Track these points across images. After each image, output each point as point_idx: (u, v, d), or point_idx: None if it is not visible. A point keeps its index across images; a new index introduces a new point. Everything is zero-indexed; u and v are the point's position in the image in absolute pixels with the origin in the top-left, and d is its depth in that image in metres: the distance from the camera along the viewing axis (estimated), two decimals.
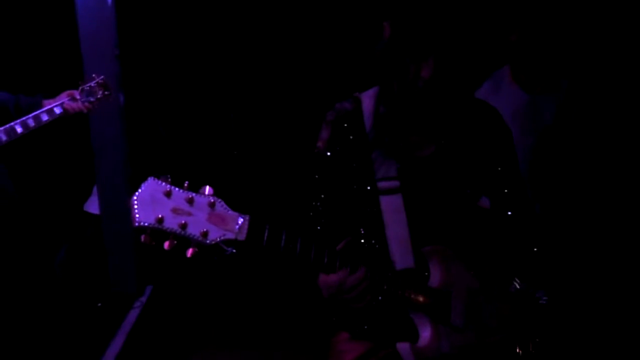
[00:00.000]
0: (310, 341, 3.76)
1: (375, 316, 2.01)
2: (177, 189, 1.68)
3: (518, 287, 2.01)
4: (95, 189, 4.07)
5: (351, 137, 1.99)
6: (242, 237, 1.72)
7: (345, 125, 2.00)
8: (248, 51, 4.50)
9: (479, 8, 1.82)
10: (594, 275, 2.98)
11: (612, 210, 2.98)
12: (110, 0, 3.91)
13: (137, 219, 1.63)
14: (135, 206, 1.64)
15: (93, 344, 3.77)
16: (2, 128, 3.23)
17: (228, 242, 1.72)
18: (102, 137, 4.01)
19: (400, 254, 1.93)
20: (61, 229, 4.22)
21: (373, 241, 1.98)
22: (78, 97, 3.38)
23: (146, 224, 1.63)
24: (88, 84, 3.40)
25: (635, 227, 2.93)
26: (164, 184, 1.67)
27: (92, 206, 4.11)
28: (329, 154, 2.00)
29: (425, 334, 1.93)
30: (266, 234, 1.74)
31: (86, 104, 3.39)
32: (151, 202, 1.65)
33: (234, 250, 1.72)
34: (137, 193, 1.64)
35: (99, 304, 4.13)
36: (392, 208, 1.93)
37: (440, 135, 2.01)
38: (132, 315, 4.11)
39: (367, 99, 2.00)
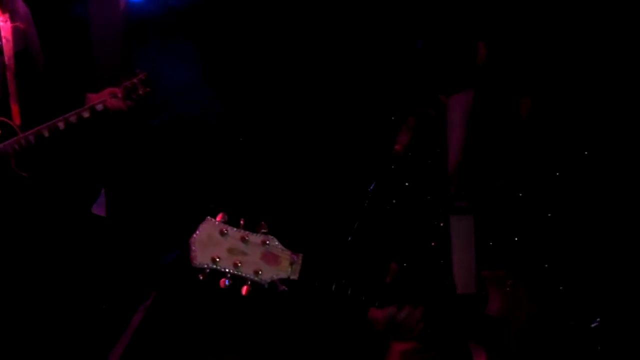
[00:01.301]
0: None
1: (430, 343, 2.00)
2: (233, 228, 1.70)
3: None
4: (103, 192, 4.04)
5: (431, 146, 1.94)
6: (295, 276, 1.74)
7: (427, 132, 1.94)
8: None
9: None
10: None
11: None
12: None
13: (195, 261, 1.65)
14: (194, 247, 1.65)
15: (97, 347, 3.76)
16: (45, 125, 3.16)
17: (281, 281, 1.74)
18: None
19: (464, 278, 1.91)
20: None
21: (440, 260, 1.97)
22: (120, 95, 3.22)
23: (204, 266, 1.66)
24: (130, 81, 3.23)
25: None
26: (220, 223, 1.69)
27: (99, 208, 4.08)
28: (406, 157, 1.95)
29: None
30: (318, 275, 1.76)
31: (128, 102, 3.23)
32: (208, 243, 1.67)
33: (286, 289, 1.74)
34: (195, 234, 1.66)
35: (104, 306, 4.12)
36: (461, 228, 1.90)
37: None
38: (137, 319, 4.11)
39: (455, 111, 1.95)
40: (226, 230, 1.69)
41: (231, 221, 1.71)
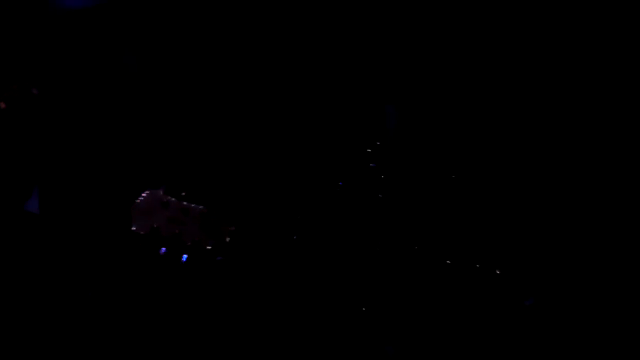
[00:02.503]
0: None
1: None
2: (173, 199, 1.80)
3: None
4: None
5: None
6: (231, 244, 1.84)
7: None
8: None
9: None
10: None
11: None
12: None
13: (135, 228, 1.75)
14: (133, 215, 1.76)
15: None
16: None
17: (219, 249, 1.84)
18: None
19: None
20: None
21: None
22: None
23: (142, 232, 1.76)
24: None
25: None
26: (160, 195, 1.79)
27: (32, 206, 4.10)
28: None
29: None
30: (252, 242, 1.86)
31: None
32: (148, 212, 1.77)
33: (222, 258, 1.84)
34: (135, 203, 1.76)
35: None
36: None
37: None
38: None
39: None
40: (167, 200, 1.79)
41: (172, 193, 1.81)
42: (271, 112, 2.26)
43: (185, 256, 1.82)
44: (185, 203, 1.80)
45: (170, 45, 2.42)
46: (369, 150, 2.06)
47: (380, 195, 2.06)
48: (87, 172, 2.23)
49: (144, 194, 1.78)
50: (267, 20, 2.30)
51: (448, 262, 2.00)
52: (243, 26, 2.33)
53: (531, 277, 2.12)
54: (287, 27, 2.28)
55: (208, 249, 1.81)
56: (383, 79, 2.24)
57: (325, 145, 2.20)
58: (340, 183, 2.09)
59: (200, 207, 1.82)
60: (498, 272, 2.04)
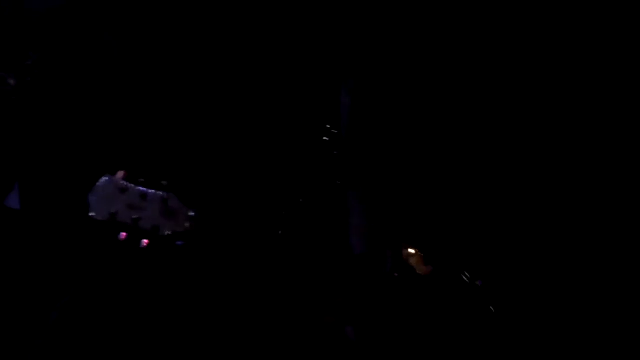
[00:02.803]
0: None
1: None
2: (132, 185, 1.80)
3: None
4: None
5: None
6: (192, 231, 1.85)
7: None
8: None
9: None
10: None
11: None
12: None
13: (92, 215, 1.76)
14: (90, 201, 1.76)
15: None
16: None
17: (178, 235, 1.85)
18: None
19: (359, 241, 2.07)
20: None
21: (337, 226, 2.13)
22: None
23: (99, 219, 1.76)
24: None
25: None
26: (119, 181, 1.79)
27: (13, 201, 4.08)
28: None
29: None
30: (213, 228, 1.87)
31: None
32: (106, 198, 1.78)
33: (183, 243, 1.85)
34: (93, 189, 1.77)
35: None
36: (356, 198, 2.08)
37: None
38: None
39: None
40: (125, 186, 1.80)
41: (131, 179, 1.82)
42: (241, 104, 2.28)
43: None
44: (143, 189, 1.81)
45: (143, 42, 2.43)
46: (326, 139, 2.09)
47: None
48: (66, 167, 2.23)
49: (101, 180, 1.79)
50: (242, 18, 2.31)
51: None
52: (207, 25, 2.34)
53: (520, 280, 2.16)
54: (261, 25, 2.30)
55: (168, 235, 1.82)
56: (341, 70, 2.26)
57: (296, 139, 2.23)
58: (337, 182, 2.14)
59: (160, 193, 1.83)
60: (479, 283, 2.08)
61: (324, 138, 2.10)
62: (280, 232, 2.05)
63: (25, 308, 2.85)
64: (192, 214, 1.84)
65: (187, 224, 1.84)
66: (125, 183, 1.80)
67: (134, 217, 1.79)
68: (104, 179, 1.79)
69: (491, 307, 2.11)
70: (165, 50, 2.34)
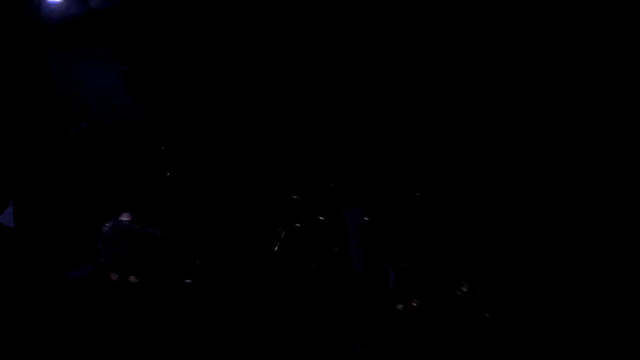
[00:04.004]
0: None
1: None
2: (137, 226, 1.80)
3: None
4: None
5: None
6: (200, 270, 1.85)
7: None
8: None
9: None
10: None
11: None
12: None
13: (102, 260, 1.75)
14: (100, 246, 1.75)
15: None
16: None
17: (186, 272, 1.85)
18: None
19: (360, 261, 2.10)
20: None
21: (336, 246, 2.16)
22: None
23: (111, 263, 1.75)
24: None
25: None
26: (125, 222, 1.78)
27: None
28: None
29: None
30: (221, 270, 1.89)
31: None
32: (114, 242, 1.76)
33: (190, 281, 1.86)
34: (101, 234, 1.75)
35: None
36: (353, 216, 2.11)
37: None
38: None
39: None
40: (131, 228, 1.78)
41: (136, 220, 1.81)
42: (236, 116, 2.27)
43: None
44: (149, 229, 1.81)
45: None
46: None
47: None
48: (62, 184, 2.18)
49: (107, 224, 1.77)
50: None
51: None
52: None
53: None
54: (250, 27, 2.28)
55: (176, 273, 1.82)
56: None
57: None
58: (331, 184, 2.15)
59: (166, 232, 1.82)
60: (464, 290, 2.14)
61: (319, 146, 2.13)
62: (282, 256, 2.07)
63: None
64: (197, 261, 1.85)
65: (194, 263, 1.84)
66: (130, 225, 1.79)
67: (140, 258, 1.78)
68: (110, 223, 1.77)
69: (487, 314, 2.18)
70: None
